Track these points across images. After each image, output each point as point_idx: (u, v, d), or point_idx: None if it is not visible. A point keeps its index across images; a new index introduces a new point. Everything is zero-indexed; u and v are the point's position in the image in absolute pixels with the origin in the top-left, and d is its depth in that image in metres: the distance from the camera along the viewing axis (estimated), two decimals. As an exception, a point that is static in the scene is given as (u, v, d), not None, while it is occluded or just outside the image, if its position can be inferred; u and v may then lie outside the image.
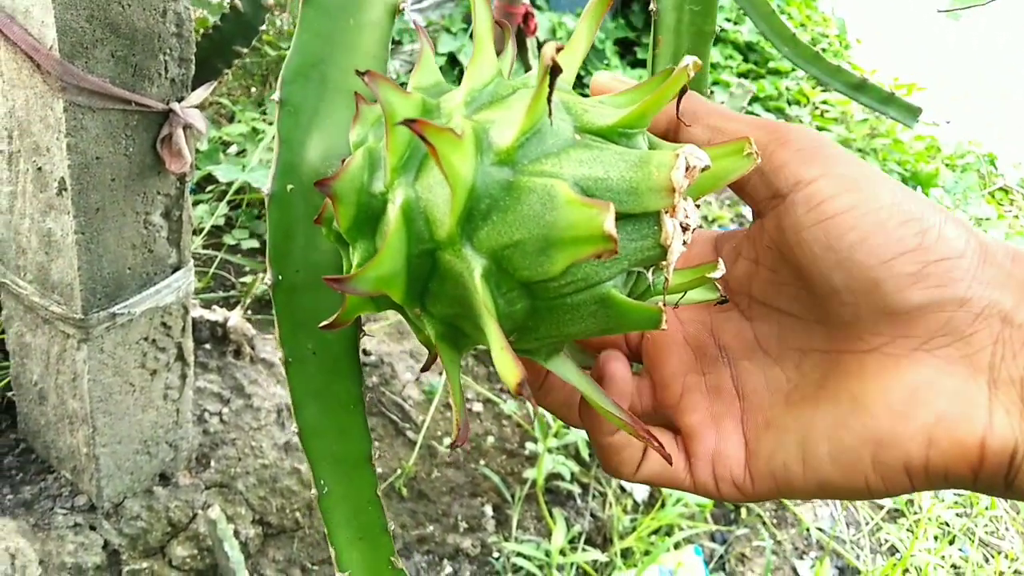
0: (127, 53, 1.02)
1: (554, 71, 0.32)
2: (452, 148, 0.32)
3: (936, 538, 2.33)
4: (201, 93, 1.12)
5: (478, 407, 1.91)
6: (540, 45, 3.59)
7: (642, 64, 4.09)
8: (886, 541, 2.32)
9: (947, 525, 2.41)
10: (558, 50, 0.34)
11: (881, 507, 2.41)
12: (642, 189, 0.34)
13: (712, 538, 2.13)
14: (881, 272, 0.36)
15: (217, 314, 1.68)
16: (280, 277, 0.44)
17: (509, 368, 0.31)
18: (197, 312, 1.63)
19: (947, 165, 4.05)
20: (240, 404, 1.58)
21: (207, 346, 1.63)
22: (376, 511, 0.49)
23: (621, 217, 0.34)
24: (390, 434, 1.74)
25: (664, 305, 0.36)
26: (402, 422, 1.77)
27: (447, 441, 1.81)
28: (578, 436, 1.81)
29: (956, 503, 2.51)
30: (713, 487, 0.43)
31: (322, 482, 0.47)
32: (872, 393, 0.37)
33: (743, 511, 2.20)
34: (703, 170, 0.34)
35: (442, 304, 0.36)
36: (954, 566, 2.30)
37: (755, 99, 3.86)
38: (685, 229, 0.35)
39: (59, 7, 0.93)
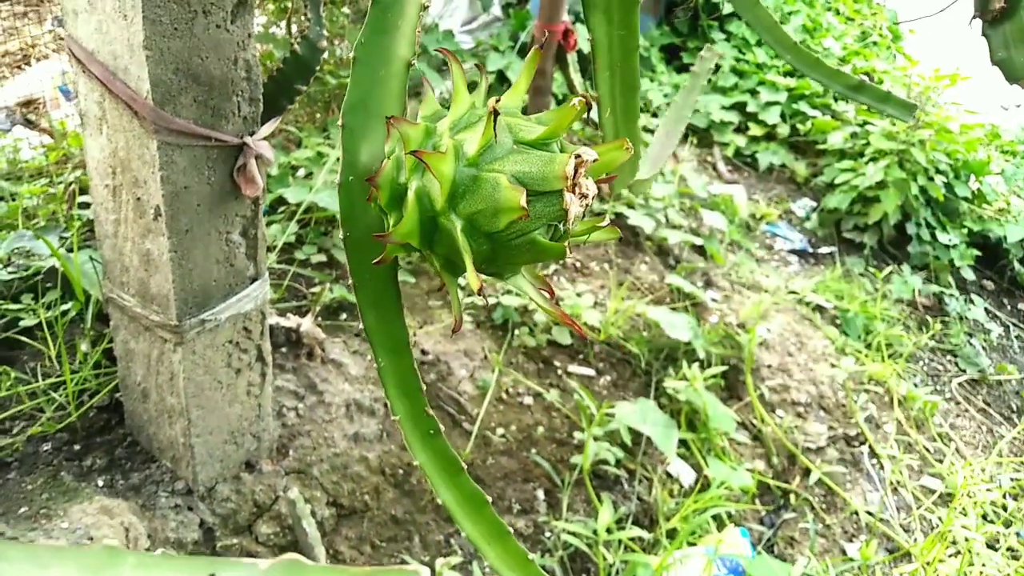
0: (207, 97, 1.21)
1: (495, 114, 0.54)
2: (438, 161, 0.54)
3: (988, 519, 2.36)
4: (269, 127, 1.31)
5: (528, 400, 2.06)
6: (581, 58, 3.72)
7: (688, 68, 4.18)
8: (938, 523, 2.36)
9: (1004, 509, 2.43)
10: (497, 102, 0.55)
11: (932, 491, 2.45)
12: (549, 177, 0.54)
13: (761, 521, 2.22)
14: None
15: (291, 321, 1.88)
16: (349, 233, 0.64)
17: (474, 280, 0.54)
18: (273, 319, 1.82)
19: (1005, 152, 4.00)
20: (313, 400, 1.77)
21: (283, 349, 1.83)
22: (413, 378, 0.69)
23: (539, 194, 0.55)
24: (447, 425, 1.90)
25: (568, 244, 0.57)
26: (458, 414, 1.93)
27: (500, 431, 1.96)
28: (620, 423, 1.93)
29: (1013, 488, 2.53)
30: None
31: (380, 360, 0.68)
32: None
33: (792, 496, 2.28)
34: (594, 162, 0.55)
35: (441, 247, 0.58)
36: (1010, 549, 2.32)
37: (801, 96, 3.90)
38: (584, 196, 0.55)
39: (151, 63, 1.12)
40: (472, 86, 0.63)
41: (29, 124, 2.97)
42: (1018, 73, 1.09)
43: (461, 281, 0.64)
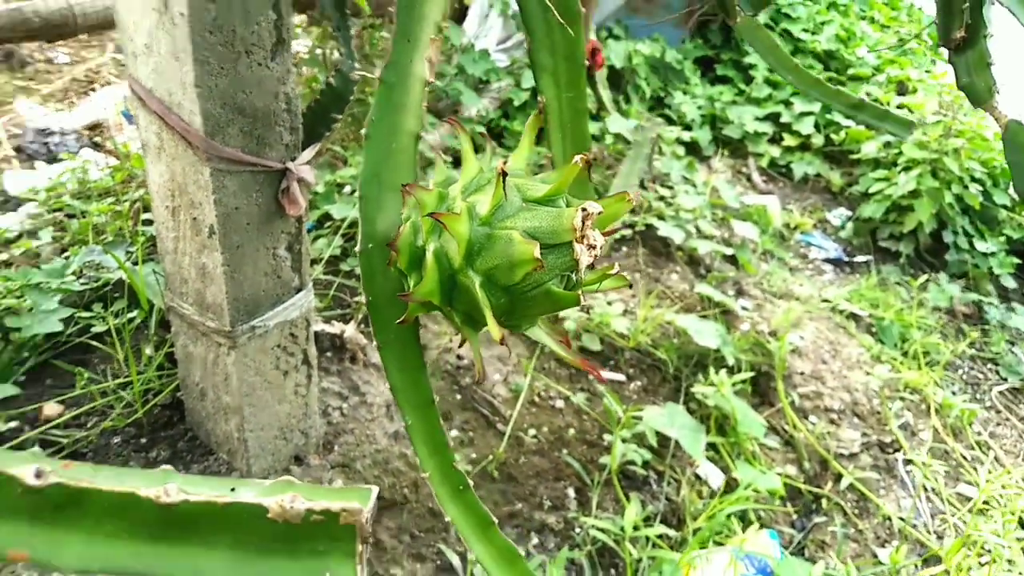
0: (252, 128, 1.35)
1: (503, 175, 0.60)
2: (455, 221, 0.59)
3: None
4: (308, 153, 1.44)
5: (559, 404, 2.15)
6: (613, 73, 3.80)
7: (722, 80, 4.23)
8: (973, 531, 2.37)
9: (1041, 515, 2.43)
10: (504, 163, 0.61)
11: (968, 499, 2.46)
12: (559, 231, 0.60)
13: (792, 525, 2.27)
14: None
15: (336, 328, 2.01)
16: (371, 298, 0.70)
17: (496, 332, 0.58)
18: (319, 326, 1.95)
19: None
20: (356, 400, 1.89)
21: (328, 354, 1.96)
22: (439, 434, 0.74)
23: (550, 247, 0.60)
24: (482, 426, 2.01)
25: (582, 292, 0.62)
26: (492, 416, 2.03)
27: (532, 432, 2.05)
28: (646, 426, 2.01)
29: (1051, 494, 2.52)
30: None
31: (407, 418, 0.73)
32: None
33: (824, 501, 2.32)
34: (599, 214, 0.60)
35: (461, 304, 0.63)
36: (1047, 556, 2.32)
37: (837, 106, 3.93)
38: (592, 247, 0.60)
39: (202, 99, 1.26)
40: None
41: (96, 147, 3.18)
42: (981, 97, 1.16)
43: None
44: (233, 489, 0.39)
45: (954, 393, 2.82)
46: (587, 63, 2.79)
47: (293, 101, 1.41)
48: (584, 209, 0.59)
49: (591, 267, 0.61)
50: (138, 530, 0.37)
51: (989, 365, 3.07)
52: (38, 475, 0.35)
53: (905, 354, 2.91)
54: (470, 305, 0.62)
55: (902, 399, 2.71)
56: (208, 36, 1.23)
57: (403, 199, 0.66)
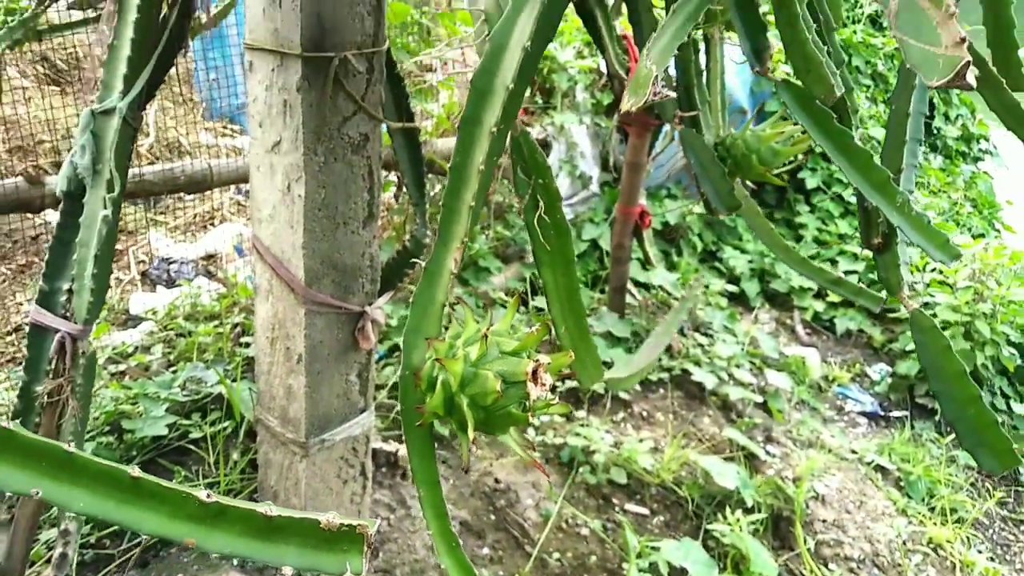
0: (340, 279, 1.72)
1: (486, 336, 0.93)
2: (453, 364, 0.93)
3: None
4: (383, 300, 1.80)
5: (585, 531, 2.37)
6: (667, 229, 4.14)
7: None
8: None
9: None
10: (489, 328, 0.94)
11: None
12: (518, 373, 0.92)
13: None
14: None
15: (392, 446, 2.32)
16: (403, 406, 1.02)
17: (471, 434, 0.91)
18: (378, 444, 2.27)
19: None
20: (403, 513, 2.17)
21: (383, 469, 2.26)
22: (442, 505, 1.03)
23: (512, 383, 0.93)
24: (511, 546, 2.24)
25: (532, 414, 0.92)
26: (521, 537, 2.27)
27: (557, 556, 2.27)
28: (660, 558, 2.21)
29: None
30: None
31: (420, 491, 1.02)
32: None
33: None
34: (548, 364, 0.92)
35: (456, 415, 0.96)
36: None
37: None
38: (543, 385, 0.93)
39: (306, 258, 1.64)
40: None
41: (209, 275, 3.67)
42: (893, 289, 1.44)
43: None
44: (304, 515, 0.69)
45: (980, 551, 2.88)
46: (637, 223, 3.14)
47: (375, 259, 1.79)
48: (537, 361, 0.92)
49: (544, 397, 0.93)
50: (253, 532, 0.67)
51: (1022, 527, 3.12)
52: (207, 496, 0.66)
53: (932, 509, 3.01)
54: (461, 416, 0.94)
55: (924, 554, 2.80)
56: (317, 212, 1.63)
57: (428, 346, 1.00)
